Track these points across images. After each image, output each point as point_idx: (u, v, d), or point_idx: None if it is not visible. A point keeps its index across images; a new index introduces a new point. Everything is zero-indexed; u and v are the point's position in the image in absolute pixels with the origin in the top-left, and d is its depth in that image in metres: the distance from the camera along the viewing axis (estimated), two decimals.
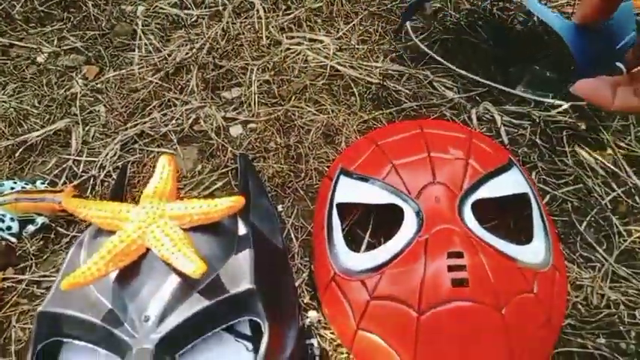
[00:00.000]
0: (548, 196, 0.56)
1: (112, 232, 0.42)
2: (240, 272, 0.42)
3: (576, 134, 0.62)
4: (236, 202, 0.43)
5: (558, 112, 0.64)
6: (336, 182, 0.50)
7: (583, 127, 0.63)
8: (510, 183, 0.47)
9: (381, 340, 0.41)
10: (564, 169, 0.59)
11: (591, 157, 0.60)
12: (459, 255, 0.39)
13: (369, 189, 0.47)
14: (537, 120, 0.63)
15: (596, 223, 0.54)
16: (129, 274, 0.41)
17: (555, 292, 0.43)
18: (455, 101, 0.66)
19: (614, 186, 0.58)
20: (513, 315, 0.39)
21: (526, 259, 0.42)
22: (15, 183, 0.55)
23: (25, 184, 0.56)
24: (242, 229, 0.47)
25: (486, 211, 0.45)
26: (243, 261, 0.43)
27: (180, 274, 0.40)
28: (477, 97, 0.67)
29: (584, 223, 0.54)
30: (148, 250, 0.41)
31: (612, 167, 0.59)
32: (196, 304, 0.39)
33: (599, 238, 0.53)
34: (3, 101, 0.69)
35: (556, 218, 0.54)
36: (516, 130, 0.62)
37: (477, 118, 0.64)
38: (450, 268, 0.38)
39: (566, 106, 0.64)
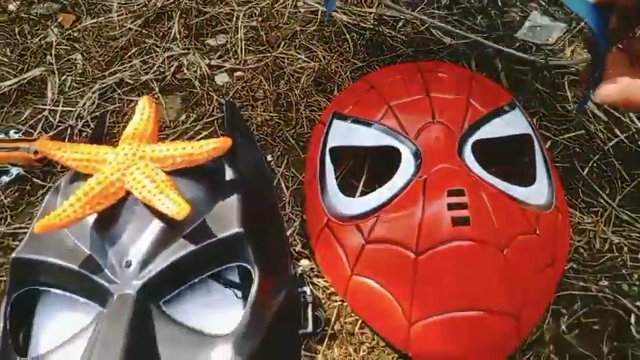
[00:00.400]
0: (549, 142, 0.54)
1: (89, 177, 0.39)
2: (227, 216, 0.40)
3: (577, 79, 0.60)
4: (221, 143, 0.41)
5: (559, 57, 0.61)
6: (329, 126, 0.48)
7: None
8: (513, 124, 0.44)
9: (377, 284, 0.39)
10: (566, 115, 0.57)
11: (593, 102, 0.57)
12: (460, 192, 0.36)
13: (364, 131, 0.44)
14: (538, 65, 0.60)
15: (599, 168, 0.52)
16: (108, 218, 0.38)
17: (558, 234, 0.41)
18: (453, 47, 0.63)
19: (617, 131, 0.55)
20: (515, 255, 0.37)
21: (529, 201, 0.40)
22: None
23: None
24: (229, 174, 0.44)
25: (487, 154, 0.43)
26: (230, 206, 0.41)
27: (163, 217, 0.37)
28: (476, 43, 0.64)
29: (587, 169, 0.52)
30: (128, 193, 0.39)
31: (615, 112, 0.57)
32: (181, 248, 0.37)
33: (601, 183, 0.51)
34: None
35: (558, 164, 0.52)
36: (517, 76, 0.60)
37: (475, 64, 0.61)
38: (451, 207, 0.36)
39: (568, 51, 0.62)
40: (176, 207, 0.36)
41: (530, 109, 0.57)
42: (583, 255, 0.45)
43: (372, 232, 0.40)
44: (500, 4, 0.69)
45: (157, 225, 0.38)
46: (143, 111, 0.44)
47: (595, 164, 0.52)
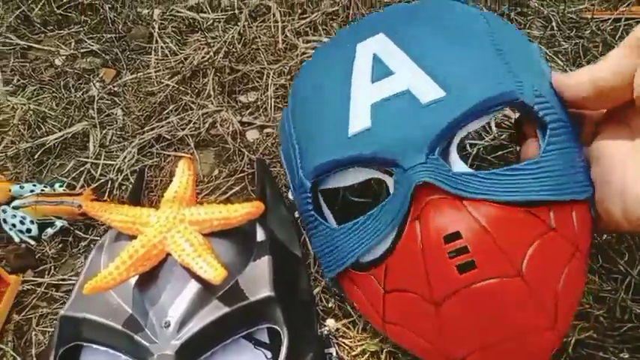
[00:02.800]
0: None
1: (132, 237, 0.42)
2: (258, 279, 0.42)
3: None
4: (255, 207, 0.43)
5: None
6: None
7: None
8: None
9: (407, 330, 0.38)
10: None
11: None
12: (457, 236, 0.34)
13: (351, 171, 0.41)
14: None
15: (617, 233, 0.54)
16: (149, 279, 0.41)
17: (577, 219, 0.37)
18: None
19: None
20: (534, 269, 0.34)
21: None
22: (34, 186, 0.55)
23: (44, 186, 0.56)
24: (260, 235, 0.46)
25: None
26: (261, 268, 0.43)
27: (199, 279, 0.40)
28: None
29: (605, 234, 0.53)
30: (168, 255, 0.41)
31: None
32: (216, 310, 0.39)
33: (620, 249, 0.52)
34: (22, 104, 0.70)
35: None
36: None
37: (496, 125, 0.63)
38: (452, 255, 0.34)
39: None
40: (213, 272, 0.38)
41: None
42: (603, 324, 0.46)
43: (387, 282, 0.38)
44: None
45: (193, 286, 0.40)
46: (183, 174, 0.47)
47: None
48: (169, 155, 0.63)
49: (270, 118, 0.67)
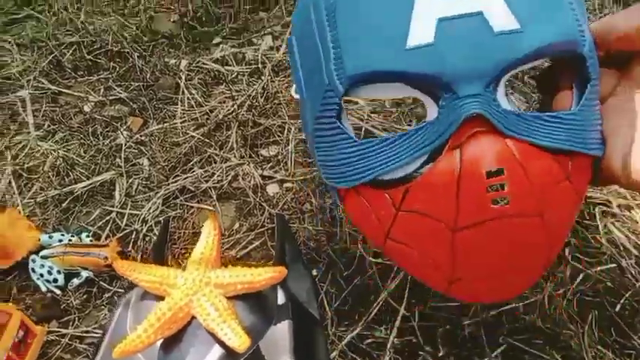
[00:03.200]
0: (581, 275, 0.57)
1: (158, 296, 0.44)
2: (279, 345, 0.43)
3: (609, 211, 0.63)
4: (278, 272, 0.45)
5: (591, 189, 0.65)
6: None
7: (615, 203, 0.63)
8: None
9: (413, 250, 0.38)
10: (597, 247, 0.59)
11: (624, 235, 0.60)
12: (499, 172, 0.34)
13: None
14: None
15: (630, 306, 0.54)
16: (173, 341, 0.42)
17: (585, 172, 0.39)
18: None
19: None
20: (552, 211, 0.36)
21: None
22: (62, 235, 0.57)
23: (72, 236, 0.58)
24: (281, 298, 0.48)
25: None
26: (282, 332, 0.44)
27: (223, 344, 0.41)
28: None
29: (618, 306, 0.54)
30: (193, 317, 0.43)
31: None
32: None
33: (634, 322, 0.53)
34: (52, 149, 0.73)
35: (589, 299, 0.55)
36: None
37: None
38: (489, 188, 0.34)
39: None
40: (237, 340, 0.39)
41: None
42: None
43: (404, 203, 0.37)
44: None
45: (217, 351, 0.41)
46: (209, 234, 0.49)
47: (627, 301, 0.55)
48: (192, 207, 0.65)
49: (291, 172, 0.69)
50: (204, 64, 0.87)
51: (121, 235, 0.62)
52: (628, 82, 0.38)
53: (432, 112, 0.37)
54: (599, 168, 0.38)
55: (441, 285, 0.39)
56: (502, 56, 0.34)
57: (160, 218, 0.63)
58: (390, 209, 0.38)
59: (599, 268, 0.58)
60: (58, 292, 0.55)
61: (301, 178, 0.68)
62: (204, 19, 1.00)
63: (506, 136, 0.35)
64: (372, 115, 0.76)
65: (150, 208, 0.64)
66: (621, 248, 0.59)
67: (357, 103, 0.78)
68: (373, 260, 0.58)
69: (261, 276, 0.45)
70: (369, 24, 0.36)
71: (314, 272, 0.58)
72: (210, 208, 0.65)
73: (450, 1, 0.34)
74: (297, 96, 0.42)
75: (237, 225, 0.64)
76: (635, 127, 0.36)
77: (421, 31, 0.34)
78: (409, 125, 0.74)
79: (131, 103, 0.81)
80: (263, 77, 0.84)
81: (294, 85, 0.42)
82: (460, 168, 0.34)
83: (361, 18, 0.36)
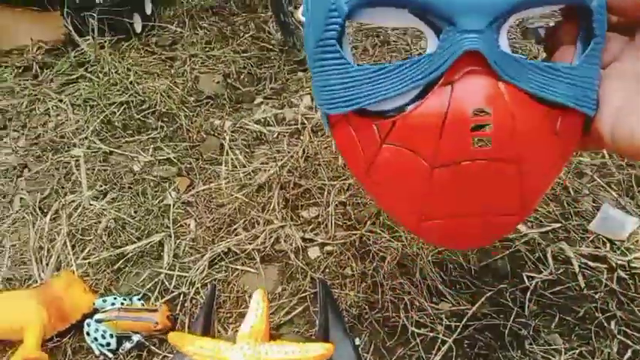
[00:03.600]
0: (630, 351, 0.56)
1: None
2: None
3: None
4: (326, 350, 0.46)
5: (635, 257, 0.64)
6: None
7: None
8: None
9: (391, 186, 0.39)
10: None
11: None
12: (486, 112, 0.34)
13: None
14: (614, 265, 0.63)
15: None
16: None
17: (574, 131, 0.38)
18: (529, 236, 0.68)
19: None
20: (532, 163, 0.36)
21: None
22: (115, 299, 0.60)
23: (124, 299, 0.60)
24: None
25: None
26: None
27: None
28: (551, 234, 0.68)
29: None
30: None
31: None
32: None
33: None
34: (104, 209, 0.76)
35: None
36: (593, 274, 0.63)
37: (552, 257, 0.65)
38: (474, 128, 0.34)
39: None
40: None
41: (607, 312, 0.59)
42: None
43: (390, 135, 0.37)
44: (572, 192, 0.75)
45: None
46: (257, 306, 0.50)
47: None
48: (237, 269, 0.67)
49: (331, 236, 0.71)
50: (246, 124, 0.91)
51: (169, 297, 0.64)
52: (634, 49, 0.37)
53: (432, 44, 0.36)
54: (589, 131, 0.37)
55: (411, 221, 0.39)
56: None
57: (207, 281, 0.66)
58: (375, 141, 0.38)
59: None
60: (110, 355, 0.57)
61: (342, 241, 0.70)
62: (246, 79, 1.05)
63: (500, 79, 0.34)
64: None
65: (197, 269, 0.67)
66: None
67: None
68: (416, 331, 0.58)
69: (309, 352, 0.46)
70: None
71: (357, 341, 0.59)
72: (254, 270, 0.67)
73: None
74: (303, 18, 0.42)
75: (279, 289, 0.65)
76: (630, 93, 0.35)
77: None
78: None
79: (178, 163, 0.84)
80: (302, 137, 0.87)
81: (302, 7, 0.42)
82: (449, 104, 0.34)
83: None
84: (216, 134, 0.90)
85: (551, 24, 0.40)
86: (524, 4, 0.34)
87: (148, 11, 1.25)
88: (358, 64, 0.36)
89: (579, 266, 0.64)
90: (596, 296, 0.61)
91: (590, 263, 0.64)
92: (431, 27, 0.36)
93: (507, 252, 0.66)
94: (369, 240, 0.70)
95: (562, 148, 0.38)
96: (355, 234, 0.70)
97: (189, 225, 0.74)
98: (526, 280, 0.63)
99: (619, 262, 0.63)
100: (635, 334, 0.57)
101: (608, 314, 0.59)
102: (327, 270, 0.67)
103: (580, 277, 0.63)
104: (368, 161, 0.39)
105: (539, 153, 0.36)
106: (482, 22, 0.33)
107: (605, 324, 0.58)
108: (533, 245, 0.67)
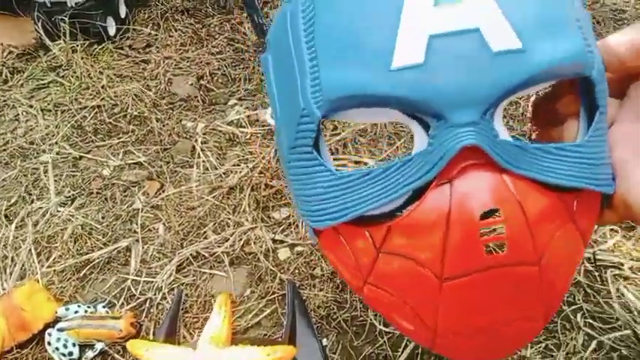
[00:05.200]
0: (594, 342, 0.56)
1: None
2: None
3: (621, 274, 0.62)
4: (287, 353, 0.45)
5: (601, 249, 0.64)
6: None
7: (627, 266, 0.63)
8: None
9: (395, 297, 0.34)
10: (611, 313, 0.59)
11: (638, 299, 0.60)
12: (495, 213, 0.30)
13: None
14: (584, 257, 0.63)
15: None
16: None
17: (592, 212, 0.34)
18: None
19: None
20: (554, 261, 0.32)
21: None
22: (79, 307, 0.59)
23: (88, 307, 0.59)
24: None
25: None
26: None
27: None
28: None
29: None
30: None
31: None
32: None
33: None
34: (71, 215, 0.75)
35: None
36: None
37: None
38: (484, 233, 0.30)
39: (610, 243, 0.65)
40: None
41: (573, 305, 0.59)
42: None
43: (386, 243, 0.33)
44: None
45: None
46: (220, 310, 0.50)
47: None
48: (204, 273, 0.66)
49: (302, 236, 0.70)
50: (219, 126, 0.90)
51: (135, 304, 0.63)
52: (629, 108, 0.35)
53: (420, 141, 0.33)
54: (610, 205, 0.34)
55: (424, 339, 0.35)
56: (501, 79, 0.30)
57: (174, 286, 0.65)
58: (370, 250, 0.34)
59: (612, 335, 0.57)
60: None
61: (311, 241, 0.69)
62: (220, 81, 1.04)
63: (503, 171, 0.31)
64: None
65: (164, 275, 0.66)
66: (636, 314, 0.59)
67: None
68: (384, 329, 0.58)
69: (270, 356, 0.45)
70: (351, 38, 0.31)
71: (324, 342, 0.58)
72: (223, 274, 0.66)
73: (442, 16, 0.29)
74: (272, 122, 0.37)
75: (248, 292, 0.65)
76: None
77: (409, 50, 0.29)
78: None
79: (149, 167, 0.83)
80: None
81: (269, 109, 0.38)
82: (450, 206, 0.30)
83: (342, 31, 0.31)
84: (188, 137, 0.89)
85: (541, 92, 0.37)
86: (517, 87, 0.30)
87: (122, 14, 1.24)
88: (339, 171, 0.33)
89: None
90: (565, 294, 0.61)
91: None
92: (419, 122, 0.33)
93: None
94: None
95: (581, 233, 0.34)
96: None
97: (157, 229, 0.73)
98: None
99: (585, 254, 0.63)
100: (600, 325, 0.58)
101: (574, 307, 0.59)
102: (297, 271, 0.66)
103: None
104: (365, 274, 0.35)
105: (559, 245, 0.32)
106: (476, 113, 0.30)
107: (572, 316, 0.58)
108: None
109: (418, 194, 0.32)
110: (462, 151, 0.30)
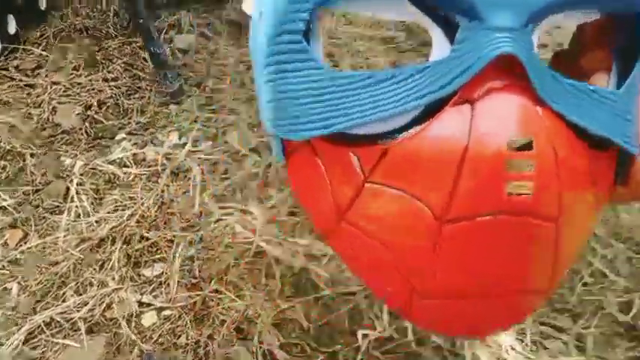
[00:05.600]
0: None
1: None
2: None
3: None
4: None
5: None
6: None
7: None
8: None
9: (379, 242, 0.27)
10: None
11: None
12: (527, 147, 0.24)
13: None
14: None
15: None
16: None
17: (609, 177, 0.29)
18: (368, 290, 0.67)
19: None
20: (569, 222, 0.27)
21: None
22: None
23: None
24: None
25: None
26: None
27: None
28: None
29: None
30: None
31: None
32: None
33: None
34: None
35: None
36: None
37: (387, 312, 0.64)
38: (510, 167, 0.24)
39: None
40: None
41: None
42: None
43: (377, 170, 0.26)
44: None
45: None
46: None
47: None
48: (57, 344, 0.61)
49: (172, 298, 0.66)
50: (100, 165, 0.84)
51: None
52: None
53: (440, 48, 0.26)
54: (625, 180, 0.29)
55: (401, 300, 0.29)
56: None
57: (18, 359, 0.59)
58: (354, 176, 0.27)
59: None
60: None
61: (182, 303, 0.66)
62: (110, 111, 0.98)
63: (538, 102, 0.25)
64: (266, 227, 0.74)
65: (9, 346, 0.60)
66: None
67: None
68: None
69: None
70: None
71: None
72: (77, 345, 0.61)
73: None
74: (249, 11, 0.29)
75: None
76: None
77: None
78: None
79: (14, 212, 0.77)
80: (160, 180, 0.82)
81: None
82: (469, 130, 0.24)
83: None
84: (64, 176, 0.83)
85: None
86: (562, 3, 0.25)
87: (12, 31, 1.14)
88: (335, 69, 0.26)
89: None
90: None
91: None
92: (438, 23, 0.26)
93: (347, 307, 0.65)
94: (212, 301, 0.66)
95: (597, 199, 0.28)
96: (199, 294, 0.66)
97: (11, 289, 0.67)
98: (360, 339, 0.62)
99: None
100: None
101: None
102: (160, 339, 0.62)
103: (410, 333, 0.62)
104: (341, 208, 0.28)
105: (579, 208, 0.27)
106: (518, 19, 0.24)
107: None
108: (372, 298, 0.66)
109: (428, 114, 0.25)
110: (489, 67, 0.24)
